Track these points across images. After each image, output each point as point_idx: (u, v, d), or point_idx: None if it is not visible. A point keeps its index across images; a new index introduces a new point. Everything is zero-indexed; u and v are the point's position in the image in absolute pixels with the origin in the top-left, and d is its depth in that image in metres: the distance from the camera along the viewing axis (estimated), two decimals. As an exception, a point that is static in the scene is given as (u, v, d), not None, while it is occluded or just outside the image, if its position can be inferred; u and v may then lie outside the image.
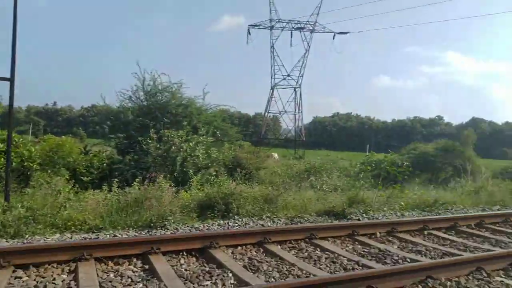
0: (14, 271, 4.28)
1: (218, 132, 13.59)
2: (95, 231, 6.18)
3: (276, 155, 31.85)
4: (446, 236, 7.05)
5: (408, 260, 5.38)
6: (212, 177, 10.86)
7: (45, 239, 5.60)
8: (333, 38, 54.01)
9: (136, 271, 4.56)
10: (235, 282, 4.31)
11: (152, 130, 11.32)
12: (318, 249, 5.84)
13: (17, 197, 7.07)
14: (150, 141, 10.99)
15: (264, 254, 5.46)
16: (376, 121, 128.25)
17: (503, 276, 4.88)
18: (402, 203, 9.54)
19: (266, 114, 59.61)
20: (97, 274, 4.34)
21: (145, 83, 13.66)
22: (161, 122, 12.54)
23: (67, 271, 4.45)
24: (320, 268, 4.93)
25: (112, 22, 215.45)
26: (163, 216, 6.70)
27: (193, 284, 4.22)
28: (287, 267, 4.90)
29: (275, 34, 55.57)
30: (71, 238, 5.74)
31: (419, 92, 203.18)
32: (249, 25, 55.62)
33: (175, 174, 10.58)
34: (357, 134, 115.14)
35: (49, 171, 10.05)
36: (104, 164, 12.16)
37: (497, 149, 76.55)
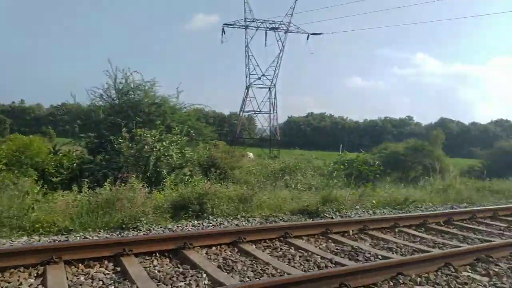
0: (-23, 277, 4.10)
1: (192, 132, 13.42)
2: (64, 233, 6.00)
3: (251, 154, 31.99)
4: (416, 233, 7.23)
5: (380, 257, 5.49)
6: (187, 177, 10.79)
7: (11, 242, 5.39)
8: (307, 39, 54.69)
9: (108, 274, 4.46)
10: (209, 283, 4.28)
11: (124, 129, 11.07)
12: (292, 247, 5.88)
13: (-19, 199, 6.77)
14: (122, 141, 10.74)
15: (239, 254, 5.45)
16: (349, 121, 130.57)
17: (470, 271, 5.05)
18: (374, 201, 9.74)
19: (241, 113, 59.60)
20: (67, 278, 4.21)
21: (117, 81, 13.33)
22: (133, 121, 12.28)
23: (35, 275, 4.30)
24: (294, 267, 4.96)
25: (87, 20, 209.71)
26: (136, 217, 6.58)
27: (167, 285, 4.17)
28: (262, 266, 4.91)
29: (250, 34, 55.67)
30: (39, 240, 5.55)
31: (390, 93, 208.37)
32: (223, 24, 55.48)
33: (148, 174, 10.41)
34: (330, 134, 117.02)
35: (16, 171, 9.79)
36: (74, 164, 11.88)
37: (464, 148, 79.24)
